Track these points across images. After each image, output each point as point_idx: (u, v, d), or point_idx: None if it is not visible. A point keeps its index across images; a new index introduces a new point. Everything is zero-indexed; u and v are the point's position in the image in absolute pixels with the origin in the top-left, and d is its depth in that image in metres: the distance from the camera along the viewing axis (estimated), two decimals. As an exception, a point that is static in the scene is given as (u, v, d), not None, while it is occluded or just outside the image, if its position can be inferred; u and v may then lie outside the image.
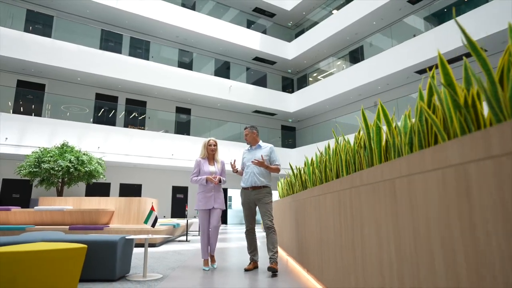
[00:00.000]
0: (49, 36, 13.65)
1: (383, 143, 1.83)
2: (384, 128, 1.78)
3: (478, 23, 9.88)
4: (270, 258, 3.48)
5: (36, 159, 9.72)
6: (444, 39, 11.05)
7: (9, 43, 11.97)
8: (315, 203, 2.87)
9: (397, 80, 13.74)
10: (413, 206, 1.20)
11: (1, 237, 3.09)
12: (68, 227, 6.06)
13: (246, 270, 3.60)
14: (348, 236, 1.93)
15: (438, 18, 13.32)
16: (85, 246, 2.63)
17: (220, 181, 3.87)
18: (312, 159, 3.58)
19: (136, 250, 5.24)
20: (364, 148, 2.08)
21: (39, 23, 14.01)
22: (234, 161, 4.00)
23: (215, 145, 4.03)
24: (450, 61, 11.76)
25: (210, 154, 4.02)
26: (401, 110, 11.83)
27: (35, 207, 6.35)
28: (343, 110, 16.95)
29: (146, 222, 3.38)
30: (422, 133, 1.40)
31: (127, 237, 3.22)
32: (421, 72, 12.85)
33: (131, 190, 14.92)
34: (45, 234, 3.37)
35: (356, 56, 16.68)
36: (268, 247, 3.55)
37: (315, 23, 18.21)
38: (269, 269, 3.35)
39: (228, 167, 4.24)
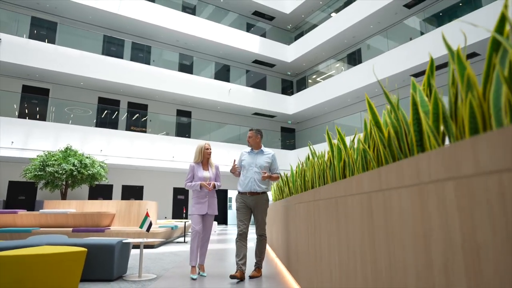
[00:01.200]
0: (53, 41, 14.02)
1: (341, 162, 2.10)
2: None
3: (473, 27, 10.09)
4: (255, 263, 3.57)
5: (41, 163, 10.06)
6: (439, 42, 11.27)
7: (15, 50, 12.33)
8: (294, 210, 3.14)
9: (393, 83, 13.96)
10: (348, 221, 1.47)
11: (10, 241, 3.39)
12: (71, 229, 6.37)
13: (232, 276, 3.35)
14: (311, 243, 2.21)
15: (436, 20, 13.54)
16: (85, 249, 2.93)
17: (214, 187, 3.81)
18: (297, 166, 3.85)
19: (135, 251, 5.54)
20: (330, 165, 2.35)
21: (43, 30, 14.37)
22: (235, 161, 3.85)
23: (211, 149, 3.98)
24: (446, 65, 11.99)
25: (205, 158, 3.94)
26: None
27: (40, 210, 6.67)
28: (341, 112, 17.20)
29: (141, 227, 3.67)
30: (364, 158, 1.68)
31: (124, 241, 3.52)
32: (417, 75, 13.07)
33: (133, 192, 15.26)
34: (49, 238, 3.67)
35: (354, 59, 16.93)
36: (255, 253, 3.62)
37: (314, 26, 18.46)
38: (250, 277, 3.44)
39: (226, 168, 4.22)
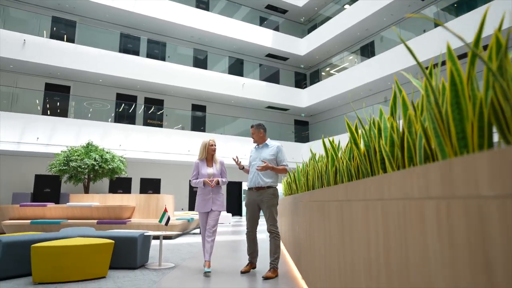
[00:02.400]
0: (72, 40, 14.60)
1: (334, 168, 2.39)
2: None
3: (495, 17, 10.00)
4: (270, 263, 3.43)
5: (65, 158, 10.67)
6: (452, 35, 11.21)
7: (37, 50, 12.94)
8: (297, 207, 3.46)
9: (405, 77, 13.93)
10: (330, 222, 1.78)
11: (47, 233, 3.85)
12: (96, 221, 6.88)
13: (242, 272, 3.46)
14: (307, 238, 2.52)
15: (452, 11, 13.39)
16: (113, 241, 3.34)
17: (218, 183, 3.75)
18: (302, 164, 4.15)
19: (154, 242, 6.00)
20: (326, 170, 2.65)
21: (63, 29, 14.94)
22: (237, 157, 3.81)
23: (215, 145, 3.92)
24: (460, 57, 11.92)
25: (209, 155, 3.87)
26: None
27: (67, 204, 7.21)
28: (354, 104, 17.25)
29: (160, 221, 4.06)
30: (347, 168, 1.97)
31: (145, 234, 3.92)
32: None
33: (151, 185, 15.87)
34: (80, 230, 4.11)
35: (367, 51, 16.89)
36: (270, 252, 3.49)
37: (327, 18, 18.45)
38: (264, 278, 3.28)
39: (231, 162, 4.10)
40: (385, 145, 1.36)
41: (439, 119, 0.93)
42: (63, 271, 3.02)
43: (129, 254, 3.70)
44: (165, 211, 4.03)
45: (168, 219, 4.03)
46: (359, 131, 1.72)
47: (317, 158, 3.07)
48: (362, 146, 1.69)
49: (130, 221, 7.00)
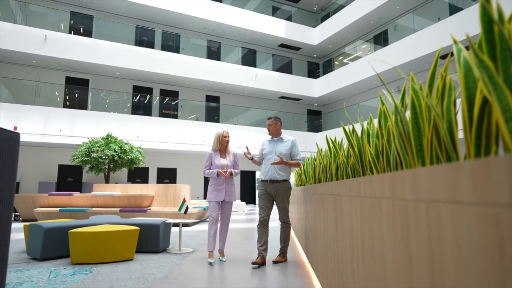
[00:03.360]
0: (90, 33, 15.07)
1: (335, 164, 2.66)
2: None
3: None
4: (280, 249, 3.66)
5: (87, 149, 11.21)
6: (469, 23, 11.09)
7: (58, 45, 13.43)
8: (305, 198, 3.75)
9: (419, 66, 13.87)
10: (328, 212, 2.07)
11: (80, 220, 4.27)
12: (118, 209, 7.35)
13: (253, 263, 3.45)
14: (312, 227, 2.82)
15: (463, 1, 13.16)
16: (138, 228, 3.72)
17: (231, 174, 3.83)
18: (310, 158, 4.42)
19: (174, 229, 6.41)
20: (329, 165, 2.92)
21: (81, 23, 15.40)
22: (247, 148, 3.85)
23: (229, 136, 3.98)
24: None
25: (223, 146, 3.93)
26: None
27: (91, 193, 7.71)
28: (367, 94, 17.25)
29: (180, 210, 4.43)
30: (343, 164, 2.24)
31: (166, 221, 4.30)
32: (444, 57, 12.92)
33: (167, 174, 16.42)
34: (107, 218, 4.53)
35: (380, 40, 16.76)
36: (280, 239, 3.71)
37: (341, 7, 18.31)
38: (274, 262, 3.51)
39: (253, 151, 4.14)
40: (371, 150, 1.63)
41: (403, 134, 1.20)
42: (97, 254, 3.43)
43: (152, 239, 4.08)
44: (184, 201, 4.38)
45: (187, 208, 4.39)
46: (354, 135, 1.98)
47: (323, 154, 3.34)
48: (356, 148, 1.96)
49: (150, 209, 7.44)
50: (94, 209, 7.43)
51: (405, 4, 14.63)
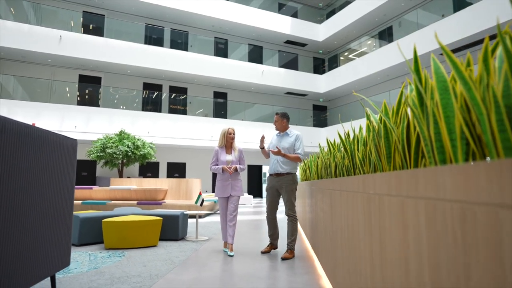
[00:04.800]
0: (101, 31, 15.58)
1: (334, 163, 3.11)
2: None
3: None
4: (287, 244, 3.65)
5: (102, 145, 11.77)
6: (471, 20, 11.33)
7: (72, 44, 13.96)
8: (309, 191, 4.21)
9: (423, 62, 14.13)
10: (325, 202, 2.52)
11: (108, 211, 4.78)
12: (136, 202, 7.88)
13: (262, 252, 3.71)
14: (315, 219, 3.28)
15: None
16: (161, 218, 4.21)
17: (236, 170, 3.93)
18: (313, 156, 4.86)
19: (190, 220, 6.92)
20: (328, 164, 3.36)
21: (93, 22, 15.90)
22: (262, 136, 3.98)
23: (234, 133, 4.09)
24: (477, 43, 12.07)
25: (228, 142, 4.03)
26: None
27: (110, 187, 8.24)
28: (372, 89, 17.56)
29: (196, 202, 4.91)
30: (340, 164, 2.68)
31: (185, 213, 4.79)
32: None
33: (177, 168, 16.97)
34: (130, 210, 5.03)
35: (385, 36, 17.00)
36: (287, 234, 3.71)
37: (346, 3, 18.55)
38: (282, 259, 3.50)
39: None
40: (359, 154, 2.07)
41: (377, 144, 1.64)
42: (126, 240, 3.93)
43: (172, 228, 4.58)
44: (200, 194, 4.87)
45: (203, 200, 4.87)
46: (347, 141, 2.41)
47: (324, 153, 3.77)
48: (349, 152, 2.39)
49: (165, 202, 7.96)
50: (113, 202, 7.97)
51: (409, 1, 14.85)
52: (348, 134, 2.46)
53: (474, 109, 0.82)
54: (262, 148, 3.95)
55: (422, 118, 1.11)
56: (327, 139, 3.24)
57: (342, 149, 2.54)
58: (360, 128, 2.26)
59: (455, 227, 0.66)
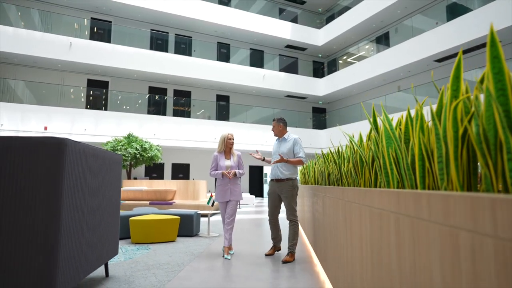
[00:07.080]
0: (108, 38, 16.20)
1: (327, 171, 3.73)
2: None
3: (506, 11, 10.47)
4: (288, 248, 3.74)
5: (112, 148, 12.39)
6: (464, 29, 11.94)
7: (81, 50, 14.58)
8: (307, 195, 4.83)
9: (417, 68, 14.77)
10: (319, 207, 3.14)
11: (128, 211, 5.41)
12: (148, 202, 8.51)
13: (266, 255, 3.85)
14: (312, 219, 3.91)
15: (459, 8, 13.95)
16: (179, 217, 4.84)
17: (235, 174, 4.01)
18: (310, 162, 5.48)
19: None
20: (323, 172, 3.99)
21: (100, 28, 16.53)
22: (256, 151, 4.13)
23: (233, 139, 4.16)
24: (471, 50, 12.67)
25: (227, 148, 4.11)
26: (419, 93, 13.02)
27: (123, 188, 8.86)
28: (369, 93, 18.19)
29: (208, 203, 5.54)
30: (332, 174, 3.31)
31: (198, 212, 5.42)
32: (440, 60, 13.80)
33: (181, 169, 17.62)
34: (148, 209, 5.66)
35: (382, 41, 17.63)
36: (288, 238, 3.80)
37: (346, 8, 19.17)
38: (283, 262, 3.58)
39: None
40: (344, 168, 2.69)
41: (355, 164, 2.27)
42: (150, 236, 4.56)
43: (187, 226, 5.21)
44: (211, 196, 5.49)
45: (213, 202, 5.49)
46: (336, 155, 3.04)
47: (320, 161, 4.39)
48: (337, 165, 3.01)
49: (175, 202, 8.60)
50: (126, 202, 8.59)
51: (405, 9, 15.47)
52: (338, 150, 3.08)
53: (399, 152, 1.45)
54: (263, 159, 4.07)
55: (378, 152, 1.74)
56: (322, 151, 3.86)
57: (332, 162, 3.17)
58: (346, 147, 2.87)
59: (382, 224, 1.29)
